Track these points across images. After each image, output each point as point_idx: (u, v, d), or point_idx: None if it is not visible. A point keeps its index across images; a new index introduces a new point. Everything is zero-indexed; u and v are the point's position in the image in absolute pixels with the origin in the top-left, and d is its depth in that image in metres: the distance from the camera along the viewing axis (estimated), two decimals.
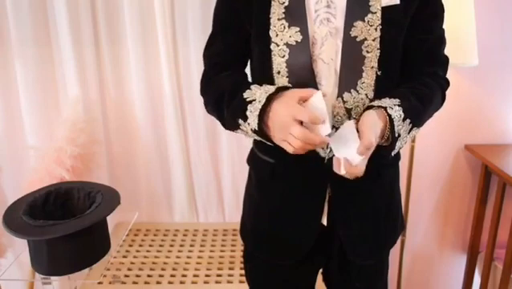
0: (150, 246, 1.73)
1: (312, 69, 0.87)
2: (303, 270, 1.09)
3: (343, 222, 0.98)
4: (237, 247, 1.72)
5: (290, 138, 0.78)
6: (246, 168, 1.09)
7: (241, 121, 0.85)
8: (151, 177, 1.86)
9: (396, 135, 0.83)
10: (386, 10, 0.86)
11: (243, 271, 1.18)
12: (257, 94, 0.84)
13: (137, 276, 1.55)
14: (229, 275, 1.56)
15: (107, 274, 1.56)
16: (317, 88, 0.87)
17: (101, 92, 1.74)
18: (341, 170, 0.81)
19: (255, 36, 0.92)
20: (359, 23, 0.85)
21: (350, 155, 0.80)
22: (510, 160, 1.76)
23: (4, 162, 1.74)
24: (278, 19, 0.87)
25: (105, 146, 1.78)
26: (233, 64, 0.98)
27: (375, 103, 0.85)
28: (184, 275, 1.56)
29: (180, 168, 1.83)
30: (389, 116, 0.82)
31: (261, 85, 0.88)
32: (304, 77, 0.88)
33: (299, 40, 0.86)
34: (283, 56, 0.88)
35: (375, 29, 0.86)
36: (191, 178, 1.87)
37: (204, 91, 1.00)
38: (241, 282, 1.51)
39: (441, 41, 0.97)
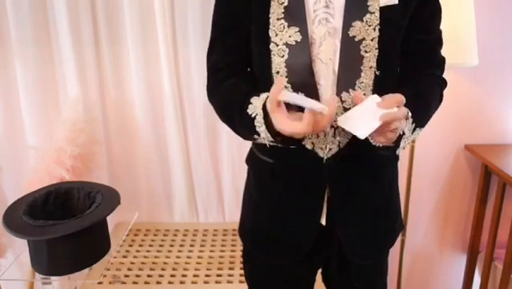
0: (150, 246, 1.73)
1: (311, 69, 0.87)
2: (302, 270, 1.09)
3: (341, 222, 0.98)
4: (237, 247, 1.72)
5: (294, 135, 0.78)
6: (246, 168, 1.09)
7: (256, 136, 0.86)
8: (151, 177, 1.86)
9: (401, 132, 0.83)
10: (384, 10, 0.86)
11: (243, 271, 1.18)
12: (257, 107, 0.84)
13: (137, 276, 1.55)
14: (229, 275, 1.56)
15: (107, 274, 1.56)
16: (316, 88, 0.87)
17: (101, 92, 1.74)
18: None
19: (254, 36, 0.92)
20: (357, 23, 0.85)
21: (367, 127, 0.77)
22: (510, 160, 1.76)
23: (4, 162, 1.74)
24: (278, 19, 0.87)
25: (105, 146, 1.78)
26: (236, 66, 0.98)
27: None
28: (184, 275, 1.56)
29: (180, 168, 1.83)
30: None
31: (260, 91, 0.88)
32: (303, 77, 0.88)
33: (299, 40, 0.86)
34: (282, 56, 0.88)
35: (374, 29, 0.86)
36: (191, 178, 1.87)
37: (212, 102, 1.00)
38: (241, 282, 1.51)
39: (439, 42, 0.97)
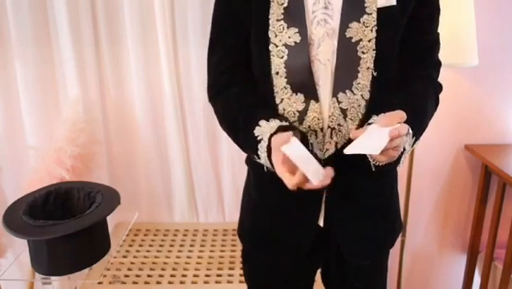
0: (150, 246, 1.74)
1: (310, 70, 0.87)
2: (302, 270, 1.09)
3: (339, 223, 0.98)
4: (237, 247, 1.72)
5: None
6: (246, 168, 1.09)
7: (256, 157, 0.87)
8: (151, 177, 1.86)
9: (402, 150, 0.83)
10: (382, 11, 0.86)
11: (242, 271, 1.18)
12: (263, 134, 0.84)
13: (137, 276, 1.55)
14: (229, 275, 1.56)
15: (107, 274, 1.56)
16: (315, 89, 0.87)
17: (101, 92, 1.75)
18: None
19: (254, 37, 0.92)
20: (354, 24, 0.85)
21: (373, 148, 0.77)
22: (510, 160, 1.76)
23: (4, 162, 1.75)
24: (277, 20, 0.87)
25: (105, 146, 1.78)
26: (237, 69, 0.97)
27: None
28: (184, 275, 1.56)
29: (180, 168, 1.83)
30: None
31: (260, 92, 0.87)
32: (302, 78, 0.88)
33: (298, 41, 0.86)
34: (282, 57, 0.88)
35: (371, 30, 0.85)
36: (191, 178, 1.87)
37: (213, 107, 1.00)
38: (241, 282, 1.51)
39: (437, 44, 0.97)
